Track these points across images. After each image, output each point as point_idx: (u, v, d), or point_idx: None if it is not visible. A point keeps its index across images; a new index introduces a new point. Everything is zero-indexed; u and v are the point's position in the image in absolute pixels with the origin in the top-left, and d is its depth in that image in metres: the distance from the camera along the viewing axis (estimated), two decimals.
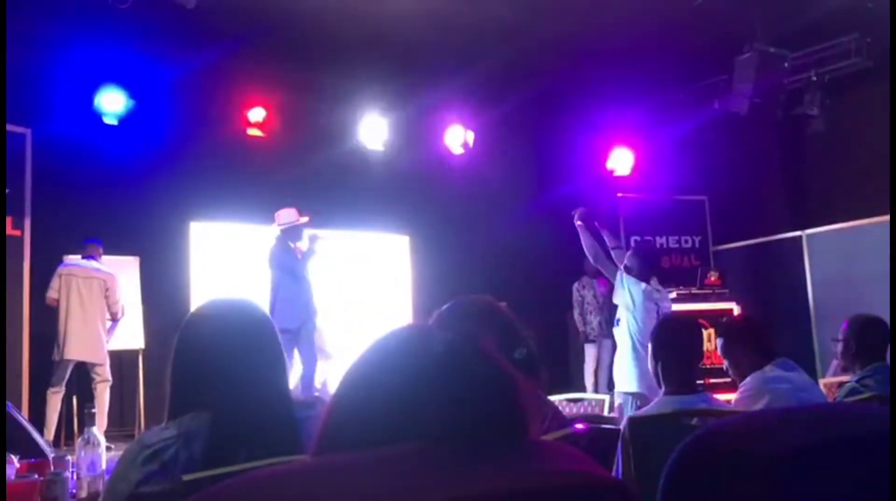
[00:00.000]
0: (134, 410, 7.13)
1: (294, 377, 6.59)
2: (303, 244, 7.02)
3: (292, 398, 1.78)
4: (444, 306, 2.12)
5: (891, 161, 6.67)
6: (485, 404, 0.83)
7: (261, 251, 8.15)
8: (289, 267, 6.78)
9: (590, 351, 8.97)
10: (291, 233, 6.90)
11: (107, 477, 2.50)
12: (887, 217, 8.09)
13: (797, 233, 9.09)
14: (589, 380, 8.86)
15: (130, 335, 7.17)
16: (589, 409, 4.89)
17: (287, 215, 6.91)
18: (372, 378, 0.86)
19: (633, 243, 9.59)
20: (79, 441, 2.47)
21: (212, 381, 1.68)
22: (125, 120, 7.34)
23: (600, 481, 0.80)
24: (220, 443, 1.62)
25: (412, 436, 0.79)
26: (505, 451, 0.79)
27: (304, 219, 6.92)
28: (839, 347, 3.35)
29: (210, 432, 1.62)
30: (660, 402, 2.82)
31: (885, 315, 3.59)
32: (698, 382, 2.91)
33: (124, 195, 7.31)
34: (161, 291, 7.55)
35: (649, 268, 5.87)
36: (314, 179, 7.83)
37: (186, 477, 1.52)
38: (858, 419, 1.08)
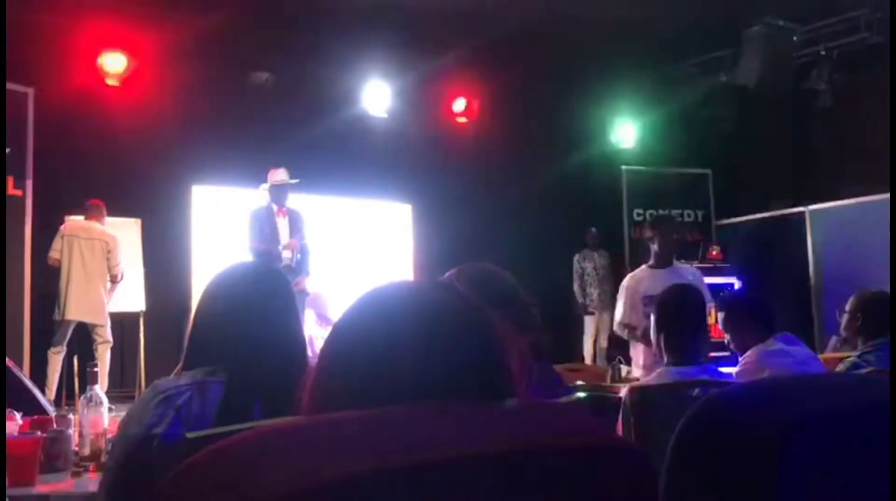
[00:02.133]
0: (135, 372, 7.16)
1: None
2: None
3: (307, 358, 1.80)
4: (447, 273, 2.12)
5: (891, 145, 6.63)
6: (469, 356, 0.83)
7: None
8: (265, 230, 6.67)
9: (589, 322, 9.01)
10: (278, 193, 6.75)
11: (109, 436, 2.52)
12: (889, 195, 8.07)
13: (800, 208, 9.07)
14: (588, 351, 8.90)
15: (132, 297, 7.18)
16: (590, 380, 4.91)
17: (278, 174, 6.79)
18: (359, 333, 0.86)
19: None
20: (81, 399, 2.49)
21: (230, 334, 1.71)
22: (128, 81, 7.30)
23: (604, 441, 0.79)
24: (235, 395, 1.64)
25: (400, 390, 0.79)
26: (498, 408, 0.79)
27: (294, 181, 6.80)
28: (844, 319, 3.35)
29: (226, 383, 1.64)
30: (661, 372, 2.83)
31: (890, 291, 3.58)
32: (703, 354, 2.91)
33: (127, 157, 7.29)
34: (162, 254, 7.55)
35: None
36: (317, 146, 7.78)
37: (190, 435, 1.53)
38: (860, 388, 1.08)
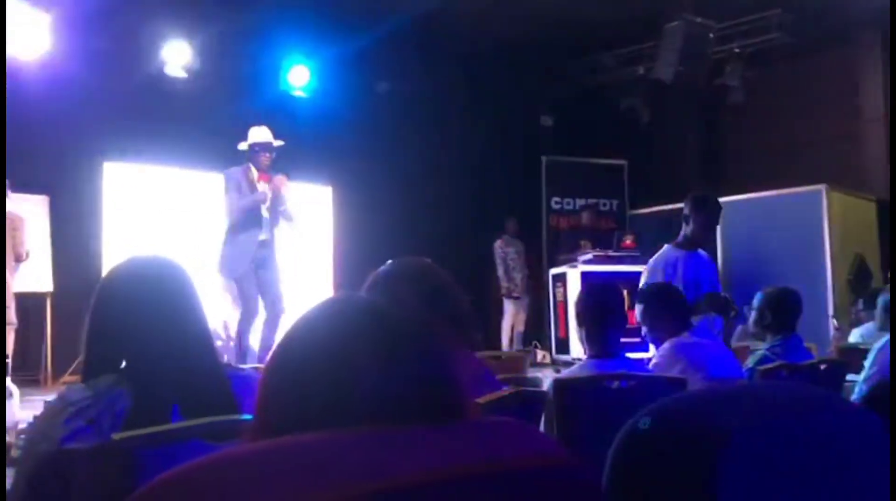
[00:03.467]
0: (40, 354, 6.90)
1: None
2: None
3: (216, 352, 1.76)
4: (380, 269, 2.11)
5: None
6: (426, 375, 0.83)
7: (176, 195, 7.97)
8: (245, 191, 6.04)
9: (510, 307, 9.12)
10: (258, 154, 6.08)
11: (21, 426, 2.43)
12: (798, 189, 8.43)
13: None
14: (506, 336, 9.02)
15: (38, 277, 6.90)
16: (508, 366, 4.97)
17: (261, 133, 6.18)
18: (314, 351, 0.84)
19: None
20: None
21: (127, 339, 1.67)
22: (35, 51, 6.97)
23: (557, 462, 0.81)
24: (143, 400, 1.60)
25: (357, 411, 0.78)
26: (452, 429, 0.79)
27: (279, 142, 6.22)
28: (752, 315, 3.49)
29: (130, 390, 1.59)
30: (583, 365, 2.90)
31: (795, 285, 3.75)
32: (620, 345, 2.99)
33: (34, 131, 6.96)
34: (72, 232, 7.28)
35: None
36: (236, 125, 7.61)
37: (117, 436, 1.48)
38: (795, 397, 1.12)
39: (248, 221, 6.02)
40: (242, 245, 6.02)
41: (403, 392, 0.80)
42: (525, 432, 0.83)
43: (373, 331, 0.83)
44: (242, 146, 6.18)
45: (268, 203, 6.10)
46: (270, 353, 0.87)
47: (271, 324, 6.02)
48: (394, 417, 0.78)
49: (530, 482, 0.74)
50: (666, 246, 4.38)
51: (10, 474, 2.18)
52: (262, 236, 6.08)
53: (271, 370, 0.85)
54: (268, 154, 6.08)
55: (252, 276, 6.05)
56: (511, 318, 9.08)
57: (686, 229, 4.28)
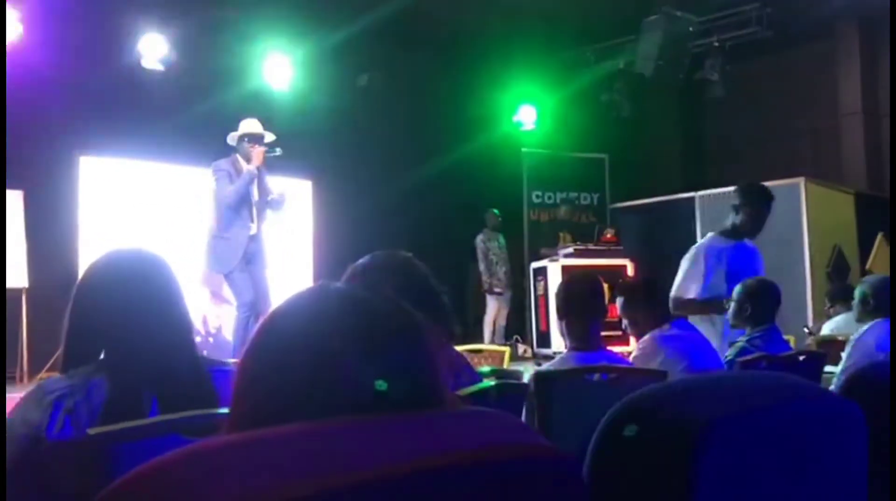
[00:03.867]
0: (16, 351, 6.81)
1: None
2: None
3: (196, 346, 1.75)
4: (359, 262, 2.10)
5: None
6: (406, 364, 0.82)
7: (153, 189, 7.90)
8: (236, 187, 5.86)
9: (492, 303, 9.11)
10: (249, 148, 5.92)
11: None
12: (776, 182, 8.46)
13: (691, 194, 9.41)
14: (488, 331, 9.02)
15: (13, 272, 6.81)
16: (489, 359, 4.96)
17: (252, 124, 6.04)
18: (294, 340, 0.82)
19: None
20: None
21: (107, 331, 1.68)
22: (11, 44, 6.88)
23: (541, 452, 0.79)
24: (120, 393, 1.59)
25: (338, 401, 0.77)
26: (433, 419, 0.78)
27: (271, 136, 6.09)
28: (732, 307, 3.51)
29: (108, 382, 1.58)
30: (564, 358, 2.90)
31: (774, 277, 3.76)
32: (601, 337, 2.99)
33: (9, 125, 6.88)
34: (47, 227, 7.19)
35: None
36: (215, 119, 7.56)
37: (93, 431, 1.46)
38: (774, 387, 1.12)
39: (238, 215, 5.92)
40: (234, 240, 5.91)
41: (385, 381, 0.78)
42: (507, 422, 0.82)
43: (353, 319, 0.82)
44: (231, 139, 6.04)
45: (256, 196, 6.01)
46: (248, 342, 0.85)
47: (255, 320, 5.95)
48: (374, 406, 0.77)
49: (513, 472, 0.73)
50: (710, 235, 4.30)
51: None
52: (252, 231, 6.00)
53: (248, 360, 0.84)
54: (258, 146, 5.94)
55: (244, 269, 5.95)
56: (493, 313, 9.08)
57: (734, 219, 4.16)
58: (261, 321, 0.86)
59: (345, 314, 0.82)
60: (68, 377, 1.60)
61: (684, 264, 4.14)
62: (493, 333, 9.05)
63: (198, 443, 0.72)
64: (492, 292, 9.07)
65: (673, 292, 3.95)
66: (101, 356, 1.64)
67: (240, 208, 5.93)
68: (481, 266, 9.11)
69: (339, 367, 0.78)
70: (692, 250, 4.23)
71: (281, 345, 0.82)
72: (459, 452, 0.70)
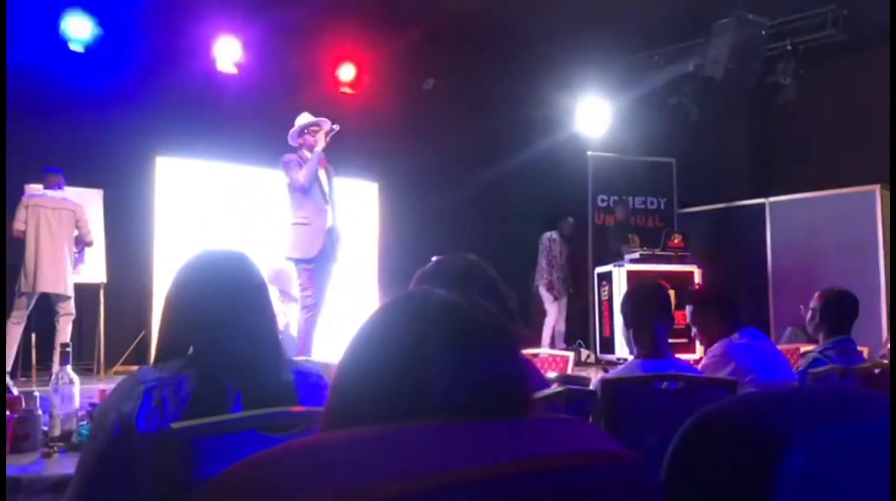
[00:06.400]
0: (93, 344, 7.06)
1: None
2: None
3: (282, 348, 1.80)
4: (427, 266, 2.11)
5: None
6: (497, 371, 0.84)
7: (227, 190, 8.09)
8: (307, 168, 5.81)
9: (552, 308, 9.08)
10: (310, 136, 5.93)
11: (81, 413, 2.50)
12: (850, 189, 8.26)
13: (761, 200, 9.22)
14: (547, 336, 8.98)
15: (92, 269, 7.07)
16: (553, 364, 4.96)
17: (305, 116, 6.08)
18: (389, 345, 0.85)
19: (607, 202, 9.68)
20: (52, 379, 2.45)
21: (197, 327, 1.71)
22: (93, 48, 7.15)
23: (617, 459, 0.81)
24: (206, 388, 1.64)
25: (428, 406, 0.80)
26: (518, 425, 0.80)
27: (326, 120, 6.02)
28: (808, 315, 3.44)
29: (195, 376, 1.63)
30: (631, 365, 2.88)
31: (847, 285, 3.67)
32: (669, 345, 2.96)
33: (89, 125, 7.15)
34: (124, 225, 7.44)
35: None
36: (287, 121, 7.72)
37: (176, 425, 1.52)
38: (853, 401, 1.11)
39: (313, 199, 5.88)
40: (312, 224, 5.84)
41: (475, 387, 0.81)
42: (589, 430, 0.84)
43: (448, 325, 0.84)
44: (292, 139, 6.05)
45: (326, 186, 5.99)
46: (347, 344, 0.89)
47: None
48: (463, 411, 0.79)
49: (593, 479, 0.75)
50: None
51: (72, 457, 2.25)
52: (329, 221, 5.96)
53: (346, 362, 0.87)
54: (319, 130, 5.94)
55: (319, 268, 5.89)
56: (552, 318, 9.03)
57: None
58: (362, 322, 0.89)
59: (440, 319, 0.85)
60: (160, 369, 1.65)
61: None
62: (553, 338, 9.00)
63: (292, 442, 0.75)
64: (550, 291, 9.01)
65: None
66: (190, 351, 1.69)
67: (314, 192, 5.88)
68: (542, 262, 9.07)
69: (432, 371, 0.81)
70: None
71: (377, 347, 0.85)
72: (546, 458, 0.72)
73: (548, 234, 9.14)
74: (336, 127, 5.98)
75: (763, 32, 8.02)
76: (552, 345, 8.77)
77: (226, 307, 1.72)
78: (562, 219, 9.21)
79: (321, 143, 5.91)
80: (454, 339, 0.83)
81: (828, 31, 8.13)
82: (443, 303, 0.88)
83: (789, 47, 8.37)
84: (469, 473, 0.68)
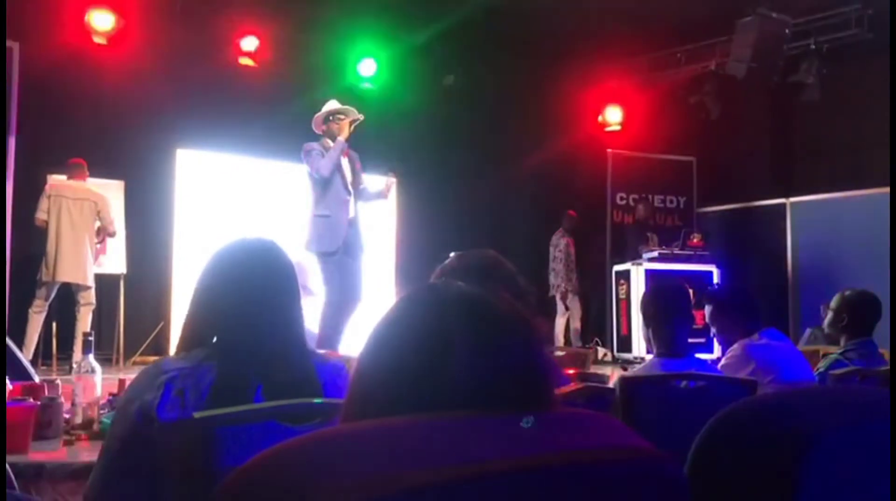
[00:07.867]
0: (113, 334, 7.11)
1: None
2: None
3: (307, 342, 1.80)
4: (447, 261, 2.11)
5: (891, 143, 6.68)
6: (519, 364, 0.84)
7: (247, 183, 8.13)
8: (330, 156, 5.63)
9: (561, 308, 9.05)
10: (336, 125, 5.76)
11: (102, 402, 2.52)
12: (872, 190, 8.18)
13: (781, 200, 9.16)
14: (561, 334, 8.95)
15: (113, 259, 7.12)
16: (571, 363, 4.96)
17: (332, 103, 5.91)
18: (410, 336, 0.86)
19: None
20: (75, 368, 2.48)
21: (223, 317, 1.70)
22: (115, 40, 7.19)
23: (642, 454, 0.81)
24: (228, 378, 1.64)
25: (448, 397, 0.80)
26: (540, 418, 0.80)
27: (352, 109, 5.86)
28: (829, 316, 3.41)
29: (217, 366, 1.64)
30: (651, 364, 2.87)
31: (868, 287, 3.64)
32: (688, 344, 2.95)
33: (111, 117, 7.20)
34: (144, 217, 7.49)
35: None
36: (306, 114, 7.74)
37: (198, 414, 1.53)
38: (877, 402, 1.11)
39: (335, 191, 5.70)
40: (334, 217, 5.66)
41: (497, 380, 0.81)
42: (614, 425, 0.84)
43: (469, 316, 0.84)
44: (316, 125, 5.87)
45: (350, 176, 5.83)
46: (368, 335, 0.89)
47: (346, 313, 5.67)
48: (485, 404, 0.79)
49: (618, 473, 0.75)
50: None
51: (94, 445, 2.27)
52: (351, 212, 5.78)
53: (366, 353, 0.87)
54: (345, 119, 5.78)
55: (341, 261, 5.67)
56: (563, 317, 8.99)
57: None
58: (383, 313, 0.89)
59: (461, 309, 0.85)
60: (183, 358, 1.65)
61: None
62: (567, 336, 8.97)
63: (314, 432, 0.76)
64: (574, 293, 8.98)
65: None
66: (214, 340, 1.69)
67: (336, 183, 5.71)
68: (559, 266, 9.02)
69: (453, 363, 0.81)
70: None
71: (399, 338, 0.86)
72: (576, 451, 0.72)
73: (555, 240, 9.09)
74: (361, 117, 5.85)
75: (786, 31, 7.95)
76: (566, 344, 8.75)
77: (255, 298, 1.71)
78: (565, 216, 9.16)
79: (345, 132, 5.74)
80: (475, 330, 0.83)
81: (852, 31, 8.06)
82: (463, 294, 0.88)
83: (812, 46, 8.30)
84: (500, 464, 0.68)
